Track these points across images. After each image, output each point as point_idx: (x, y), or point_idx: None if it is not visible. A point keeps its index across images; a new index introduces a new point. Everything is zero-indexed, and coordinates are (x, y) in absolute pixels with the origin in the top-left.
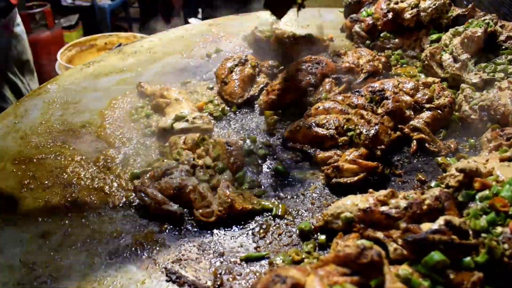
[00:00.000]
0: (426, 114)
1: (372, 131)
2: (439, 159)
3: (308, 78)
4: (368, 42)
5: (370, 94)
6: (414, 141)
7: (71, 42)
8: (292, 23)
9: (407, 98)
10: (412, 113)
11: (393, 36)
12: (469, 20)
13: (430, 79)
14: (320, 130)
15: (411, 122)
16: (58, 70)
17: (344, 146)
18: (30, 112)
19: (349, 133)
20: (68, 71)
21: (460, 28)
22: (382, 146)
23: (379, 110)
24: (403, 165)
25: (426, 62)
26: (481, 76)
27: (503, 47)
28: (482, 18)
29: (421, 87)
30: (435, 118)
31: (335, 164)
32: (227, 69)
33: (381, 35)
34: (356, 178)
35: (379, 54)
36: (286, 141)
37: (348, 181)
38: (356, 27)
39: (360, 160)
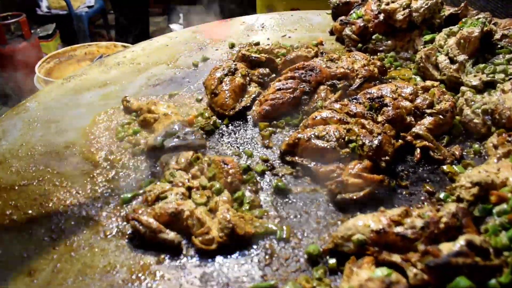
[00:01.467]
0: (427, 120)
1: (376, 142)
2: (445, 167)
3: (302, 86)
4: (360, 45)
5: (368, 102)
6: (418, 149)
7: (49, 54)
8: (280, 28)
9: (406, 103)
10: (413, 119)
11: (385, 38)
12: (463, 20)
13: (429, 83)
14: (320, 143)
15: (413, 129)
16: (37, 83)
17: (346, 159)
18: (9, 134)
19: (351, 145)
20: (48, 86)
21: (455, 28)
22: (387, 157)
23: (379, 118)
24: (408, 176)
25: (421, 64)
26: (481, 77)
27: (499, 46)
28: (476, 17)
29: (420, 92)
30: (437, 123)
31: (338, 179)
32: (217, 79)
33: (373, 37)
34: (362, 193)
35: (372, 57)
36: (284, 155)
37: (354, 197)
38: (347, 30)
39: (365, 174)
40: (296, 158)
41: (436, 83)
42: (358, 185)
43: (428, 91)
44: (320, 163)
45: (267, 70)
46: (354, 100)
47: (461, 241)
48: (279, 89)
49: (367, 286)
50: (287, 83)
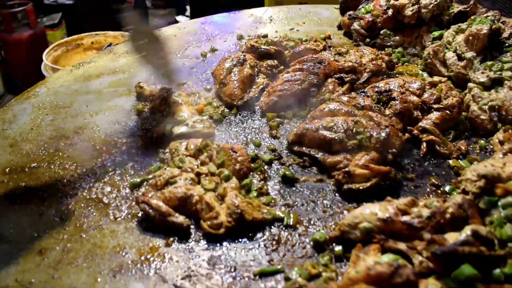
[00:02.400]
0: (434, 115)
1: (383, 134)
2: (451, 161)
3: (310, 78)
4: (368, 40)
5: (376, 95)
6: (424, 143)
7: (57, 42)
8: (288, 21)
9: (414, 98)
10: (420, 114)
11: (394, 33)
12: (472, 17)
13: (436, 79)
14: (328, 134)
15: (420, 124)
16: (44, 71)
17: (353, 150)
18: (19, 118)
19: (359, 137)
20: (57, 73)
21: (463, 25)
22: (394, 150)
23: (387, 112)
24: (414, 169)
25: (429, 60)
26: (489, 75)
27: (507, 44)
28: (485, 15)
29: (427, 87)
30: (443, 118)
31: (345, 169)
32: (226, 69)
33: (381, 32)
34: (368, 184)
35: (380, 52)
36: (291, 145)
37: (361, 187)
38: (355, 25)
39: (372, 165)
40: (304, 148)
41: (444, 79)
42: (365, 176)
43: (436, 87)
44: (327, 154)
45: (275, 62)
46: (362, 93)
47: (467, 231)
48: (288, 81)
49: (375, 268)
50: (295, 75)
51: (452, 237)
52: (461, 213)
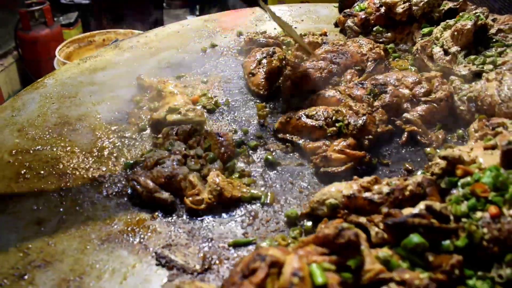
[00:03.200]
0: (421, 107)
1: (360, 122)
2: (428, 149)
3: (331, 67)
4: (361, 36)
5: (371, 87)
6: (405, 133)
7: (69, 39)
8: (288, 19)
9: (405, 91)
10: (409, 106)
11: (386, 30)
12: (460, 14)
13: (433, 73)
14: (309, 121)
15: (404, 115)
16: (57, 66)
17: (332, 137)
18: (27, 106)
19: (338, 124)
20: (65, 66)
21: (451, 22)
22: (370, 136)
23: (376, 103)
24: (391, 155)
25: (417, 55)
26: (470, 68)
27: (494, 40)
28: (473, 12)
29: (423, 81)
30: (430, 111)
31: (323, 154)
32: (256, 61)
33: (374, 29)
34: (343, 167)
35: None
36: (276, 132)
37: (336, 170)
38: (349, 22)
39: (348, 150)
40: (287, 135)
41: (438, 73)
42: (341, 160)
43: (430, 81)
44: (309, 140)
45: (304, 55)
46: (360, 84)
47: (421, 206)
48: (309, 68)
49: (322, 231)
50: (317, 64)
51: (408, 211)
52: (420, 190)
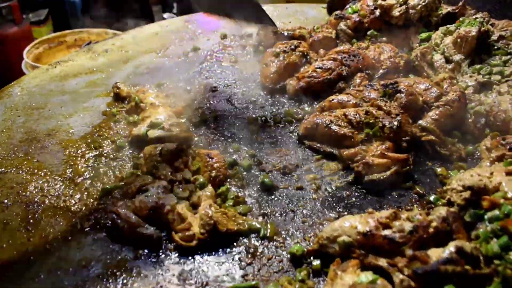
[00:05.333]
0: (435, 112)
1: (395, 123)
2: (439, 170)
3: (340, 69)
4: (354, 40)
5: (382, 88)
6: (426, 143)
7: (39, 39)
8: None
9: (422, 86)
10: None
11: (381, 34)
12: (460, 19)
13: (441, 76)
14: (339, 129)
15: (419, 122)
16: (25, 69)
17: (366, 141)
18: None
19: (370, 130)
20: (33, 72)
21: (452, 27)
22: (407, 137)
23: (393, 105)
24: None
25: (416, 62)
26: (477, 78)
27: (496, 47)
28: (474, 17)
29: (434, 87)
30: (444, 115)
31: (363, 160)
32: (274, 53)
33: (368, 33)
34: (388, 172)
35: (401, 51)
36: (301, 138)
37: (382, 177)
38: (342, 25)
39: (390, 154)
40: (315, 143)
41: (447, 75)
42: (384, 165)
43: (439, 85)
44: (342, 147)
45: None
46: (369, 86)
47: (451, 248)
48: (319, 68)
49: None
50: (327, 64)
51: (435, 254)
52: (445, 227)
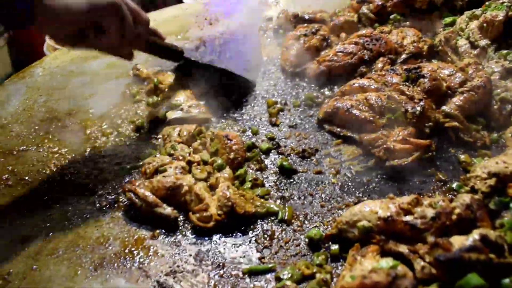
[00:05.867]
0: (458, 98)
1: (418, 108)
2: (462, 157)
3: (362, 53)
4: (376, 24)
5: (405, 73)
6: (449, 130)
7: None
8: (294, 3)
9: (446, 71)
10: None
11: (404, 18)
12: (487, 3)
13: (466, 61)
14: (360, 113)
15: (442, 108)
16: (47, 51)
17: (388, 126)
18: (12, 98)
19: (392, 115)
20: (54, 53)
21: (478, 11)
22: (430, 123)
23: (416, 90)
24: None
25: (440, 47)
26: (503, 64)
27: None
28: (501, 1)
29: (459, 73)
30: (468, 101)
31: (385, 145)
32: (295, 36)
33: (391, 17)
34: (410, 158)
35: (425, 35)
36: (321, 122)
37: (403, 163)
38: (364, 9)
39: (412, 139)
40: (335, 128)
41: (472, 60)
42: (406, 150)
43: (464, 70)
44: (362, 132)
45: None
46: (391, 70)
47: (475, 235)
48: (340, 51)
49: (370, 277)
50: (348, 48)
51: (458, 241)
52: (469, 214)
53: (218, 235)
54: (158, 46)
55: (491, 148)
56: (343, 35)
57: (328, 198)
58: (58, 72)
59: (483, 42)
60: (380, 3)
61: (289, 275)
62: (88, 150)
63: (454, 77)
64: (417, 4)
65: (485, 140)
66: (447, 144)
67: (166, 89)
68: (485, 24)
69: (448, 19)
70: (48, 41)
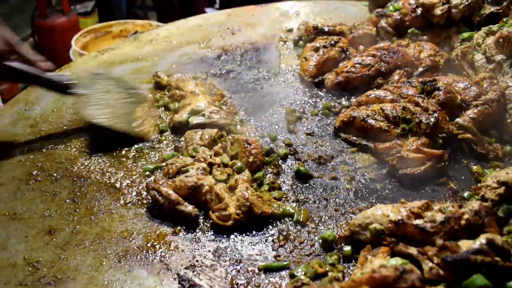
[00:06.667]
0: (472, 111)
1: (432, 119)
2: (474, 167)
3: (379, 65)
4: (394, 38)
5: (421, 85)
6: (463, 142)
7: (86, 29)
8: (315, 16)
9: (461, 85)
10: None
11: (421, 33)
12: (504, 19)
13: (481, 75)
14: (375, 123)
15: (456, 120)
16: (73, 56)
17: (402, 136)
18: (42, 99)
19: (406, 125)
20: (82, 57)
21: (494, 27)
22: (443, 134)
23: (431, 102)
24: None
25: (456, 62)
26: None
27: None
28: None
29: (473, 86)
30: (482, 114)
31: (399, 154)
32: (314, 47)
33: (409, 31)
34: (423, 168)
35: (441, 50)
36: (338, 131)
37: (416, 172)
38: (383, 22)
39: (425, 149)
40: (351, 136)
41: (487, 75)
42: (419, 159)
43: (479, 84)
44: (377, 141)
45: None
46: (407, 82)
47: (482, 239)
48: (357, 63)
49: (379, 271)
50: (366, 60)
51: (465, 245)
52: (477, 220)
53: (236, 233)
54: (19, 73)
55: (504, 160)
56: (361, 47)
57: (342, 202)
58: (85, 76)
59: (499, 57)
60: (398, 17)
61: (303, 273)
62: (114, 150)
63: (469, 90)
64: (435, 19)
65: (497, 152)
66: (460, 155)
67: (187, 95)
68: (501, 40)
69: (466, 34)
70: (75, 47)
